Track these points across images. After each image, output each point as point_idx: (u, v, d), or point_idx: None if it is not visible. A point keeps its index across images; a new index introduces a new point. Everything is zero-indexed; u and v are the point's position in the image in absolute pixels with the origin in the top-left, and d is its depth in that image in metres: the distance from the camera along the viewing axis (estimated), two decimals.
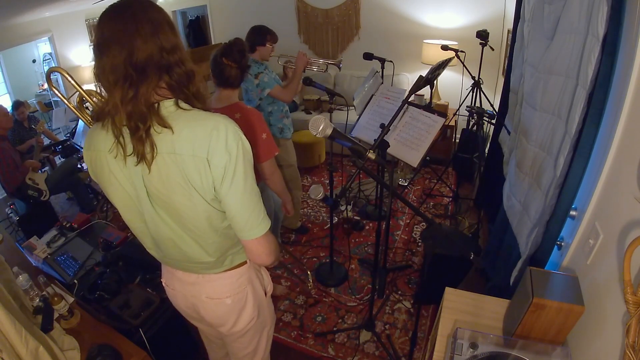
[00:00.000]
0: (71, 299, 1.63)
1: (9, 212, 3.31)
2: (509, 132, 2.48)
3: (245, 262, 1.18)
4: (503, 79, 3.03)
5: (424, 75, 1.62)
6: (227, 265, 1.14)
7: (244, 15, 4.82)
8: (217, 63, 1.78)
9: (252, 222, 0.97)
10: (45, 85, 5.82)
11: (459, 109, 3.55)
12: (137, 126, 0.83)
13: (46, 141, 3.84)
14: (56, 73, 4.05)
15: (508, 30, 3.27)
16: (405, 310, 2.39)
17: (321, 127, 1.15)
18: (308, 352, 2.16)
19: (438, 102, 3.98)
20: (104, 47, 0.82)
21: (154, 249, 1.13)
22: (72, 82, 1.33)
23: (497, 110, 2.89)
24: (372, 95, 2.32)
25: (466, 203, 3.41)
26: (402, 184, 3.81)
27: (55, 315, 1.47)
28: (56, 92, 1.50)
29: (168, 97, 0.88)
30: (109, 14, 0.82)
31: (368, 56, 2.92)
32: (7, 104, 3.75)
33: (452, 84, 3.95)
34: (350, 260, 2.83)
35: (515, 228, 1.90)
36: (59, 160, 4.08)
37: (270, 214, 2.43)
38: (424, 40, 3.92)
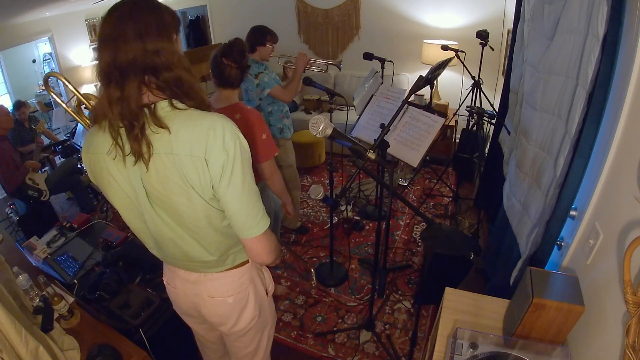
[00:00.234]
0: (71, 299, 1.63)
1: (9, 212, 3.31)
2: (509, 132, 2.48)
3: (247, 261, 1.18)
4: (503, 79, 3.03)
5: (424, 75, 1.62)
6: (229, 264, 1.14)
7: (244, 15, 4.82)
8: (217, 63, 1.78)
9: (251, 221, 0.97)
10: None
11: (459, 109, 3.55)
12: (132, 124, 0.84)
13: (46, 141, 3.84)
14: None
15: (508, 30, 3.27)
16: (405, 310, 2.39)
17: (321, 127, 1.15)
18: (308, 352, 2.16)
19: (438, 102, 3.98)
20: (98, 48, 0.85)
21: (156, 248, 1.13)
22: (70, 86, 1.34)
23: (497, 110, 2.89)
24: (372, 95, 2.32)
25: (466, 203, 3.41)
26: (402, 184, 3.81)
27: (55, 315, 1.47)
28: (54, 96, 1.50)
29: (163, 97, 0.88)
30: (104, 16, 0.85)
31: (368, 56, 2.92)
32: (7, 104, 3.75)
33: (452, 84, 3.95)
34: (350, 260, 2.83)
35: (515, 228, 1.90)
36: (59, 160, 4.08)
37: (270, 214, 2.43)
38: (424, 40, 3.92)
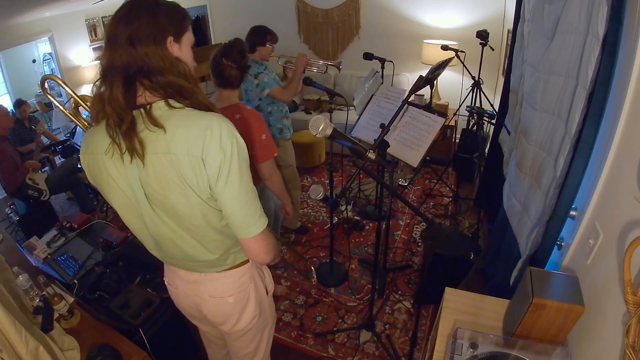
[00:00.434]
0: (71, 299, 1.63)
1: (9, 212, 3.30)
2: (509, 132, 2.48)
3: (247, 261, 1.18)
4: (503, 79, 3.03)
5: (424, 75, 1.62)
6: (230, 263, 1.14)
7: (244, 15, 4.81)
8: (216, 63, 1.78)
9: (249, 221, 0.97)
10: (46, 85, 5.81)
11: (459, 109, 3.55)
12: (121, 122, 0.86)
13: (46, 141, 3.84)
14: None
15: (508, 30, 3.27)
16: (405, 310, 2.39)
17: (321, 127, 1.15)
18: (308, 352, 2.16)
19: (438, 102, 3.98)
20: (103, 49, 0.90)
21: (156, 249, 1.13)
22: (67, 89, 1.34)
23: (497, 110, 2.89)
24: (372, 95, 2.32)
25: (466, 203, 3.41)
26: (402, 184, 3.81)
27: (55, 315, 1.47)
28: (51, 98, 1.50)
29: (159, 97, 0.89)
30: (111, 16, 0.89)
31: (368, 56, 2.92)
32: (7, 104, 3.74)
33: (452, 84, 3.95)
34: (350, 260, 2.83)
35: (515, 228, 1.90)
36: (59, 160, 4.08)
37: (270, 214, 2.43)
38: (424, 40, 3.92)
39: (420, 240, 3.02)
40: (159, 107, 0.88)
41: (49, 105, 5.72)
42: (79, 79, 4.57)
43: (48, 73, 5.12)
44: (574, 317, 1.05)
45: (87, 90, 4.62)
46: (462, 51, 3.06)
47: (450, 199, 3.51)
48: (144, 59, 0.85)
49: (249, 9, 4.76)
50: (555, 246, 1.50)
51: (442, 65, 1.75)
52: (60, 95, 4.59)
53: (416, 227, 3.19)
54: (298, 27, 4.69)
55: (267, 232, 1.03)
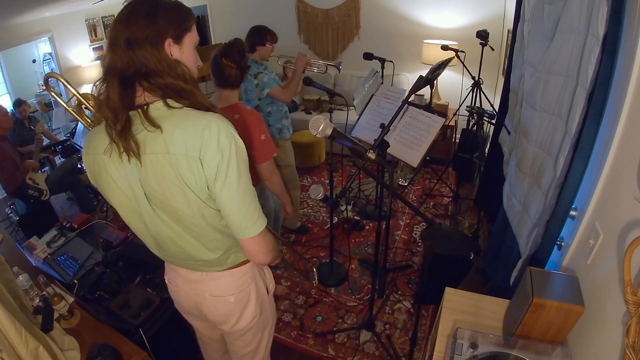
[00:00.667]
0: (71, 299, 1.63)
1: (9, 212, 3.30)
2: (509, 132, 2.48)
3: (248, 260, 1.18)
4: (503, 79, 3.03)
5: (424, 75, 1.62)
6: (231, 263, 1.14)
7: (244, 15, 4.82)
8: (216, 63, 1.78)
9: (247, 221, 0.97)
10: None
11: (459, 109, 3.55)
12: (116, 119, 0.87)
13: (46, 141, 3.84)
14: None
15: (508, 30, 3.27)
16: (405, 310, 2.39)
17: (321, 127, 1.15)
18: (308, 352, 2.16)
19: (438, 102, 3.98)
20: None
21: (156, 248, 1.13)
22: (70, 87, 1.34)
23: (497, 110, 2.89)
24: (372, 95, 2.32)
25: (466, 203, 3.41)
26: (402, 184, 3.81)
27: (55, 315, 1.47)
28: (55, 96, 1.50)
29: (158, 98, 0.89)
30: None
31: (368, 56, 2.92)
32: (7, 104, 3.74)
33: (452, 84, 3.95)
34: (350, 260, 2.83)
35: (515, 228, 1.90)
36: (59, 160, 4.08)
37: (270, 214, 2.43)
38: (424, 40, 3.92)
39: (420, 240, 3.02)
40: (157, 108, 0.88)
41: (48, 105, 5.73)
42: (79, 79, 4.57)
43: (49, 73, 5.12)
44: (574, 317, 1.05)
45: (87, 90, 4.62)
46: (462, 51, 3.06)
47: (450, 199, 3.51)
48: (142, 61, 0.85)
49: (249, 9, 4.76)
50: (555, 246, 1.49)
51: (442, 65, 1.75)
52: (60, 95, 4.59)
53: (416, 227, 3.19)
54: (298, 27, 4.69)
55: (266, 233, 1.03)
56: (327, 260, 2.75)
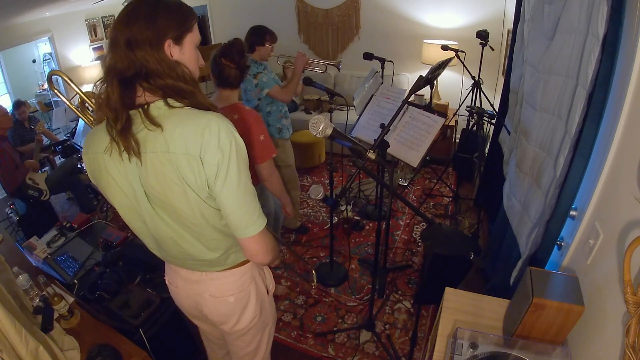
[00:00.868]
0: (71, 299, 1.63)
1: (9, 212, 3.30)
2: (509, 132, 2.48)
3: (248, 260, 1.18)
4: (503, 79, 3.03)
5: (424, 75, 1.62)
6: (231, 263, 1.14)
7: (244, 15, 4.82)
8: (216, 63, 1.78)
9: (247, 221, 0.97)
10: (45, 85, 5.82)
11: (459, 109, 3.55)
12: (116, 118, 0.87)
13: (46, 141, 3.83)
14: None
15: (508, 30, 3.27)
16: (405, 310, 2.39)
17: (321, 127, 1.15)
18: (308, 352, 2.16)
19: (438, 102, 3.98)
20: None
21: (156, 248, 1.13)
22: (73, 85, 1.34)
23: (497, 110, 2.89)
24: (372, 95, 2.32)
25: (466, 203, 3.41)
26: (402, 184, 3.81)
27: (55, 315, 1.47)
28: (59, 94, 1.51)
29: (159, 97, 0.90)
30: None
31: (368, 56, 2.92)
32: (7, 104, 3.74)
33: (452, 84, 3.95)
34: (350, 260, 2.83)
35: (515, 228, 1.90)
36: (59, 160, 4.08)
37: (270, 214, 2.43)
38: (424, 40, 3.92)
39: (420, 240, 3.02)
40: (158, 107, 0.89)
41: (49, 105, 5.73)
42: (79, 79, 4.57)
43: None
44: (574, 317, 1.05)
45: (86, 90, 4.62)
46: (462, 51, 3.06)
47: (450, 199, 3.51)
48: (142, 62, 0.85)
49: (249, 9, 4.76)
50: (555, 246, 1.49)
51: (442, 65, 1.75)
52: (61, 94, 4.59)
53: (416, 227, 3.19)
54: (298, 27, 4.69)
55: (266, 233, 1.03)
56: (327, 260, 2.75)
